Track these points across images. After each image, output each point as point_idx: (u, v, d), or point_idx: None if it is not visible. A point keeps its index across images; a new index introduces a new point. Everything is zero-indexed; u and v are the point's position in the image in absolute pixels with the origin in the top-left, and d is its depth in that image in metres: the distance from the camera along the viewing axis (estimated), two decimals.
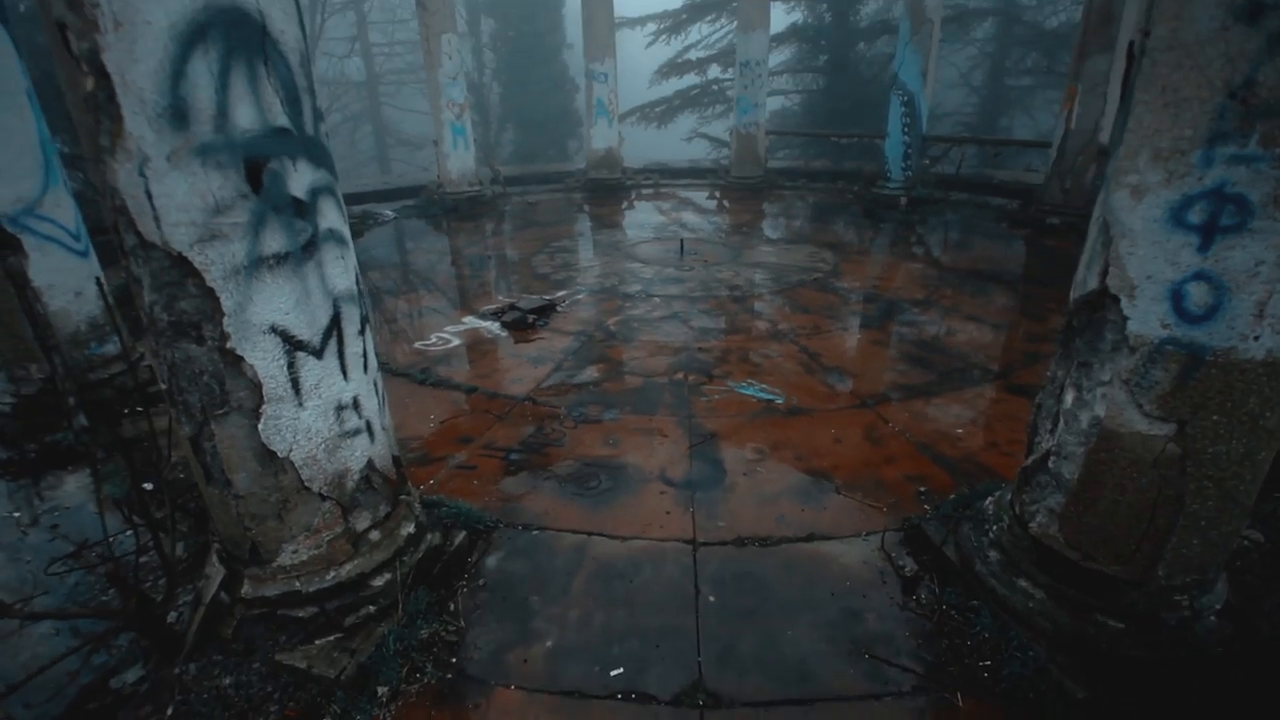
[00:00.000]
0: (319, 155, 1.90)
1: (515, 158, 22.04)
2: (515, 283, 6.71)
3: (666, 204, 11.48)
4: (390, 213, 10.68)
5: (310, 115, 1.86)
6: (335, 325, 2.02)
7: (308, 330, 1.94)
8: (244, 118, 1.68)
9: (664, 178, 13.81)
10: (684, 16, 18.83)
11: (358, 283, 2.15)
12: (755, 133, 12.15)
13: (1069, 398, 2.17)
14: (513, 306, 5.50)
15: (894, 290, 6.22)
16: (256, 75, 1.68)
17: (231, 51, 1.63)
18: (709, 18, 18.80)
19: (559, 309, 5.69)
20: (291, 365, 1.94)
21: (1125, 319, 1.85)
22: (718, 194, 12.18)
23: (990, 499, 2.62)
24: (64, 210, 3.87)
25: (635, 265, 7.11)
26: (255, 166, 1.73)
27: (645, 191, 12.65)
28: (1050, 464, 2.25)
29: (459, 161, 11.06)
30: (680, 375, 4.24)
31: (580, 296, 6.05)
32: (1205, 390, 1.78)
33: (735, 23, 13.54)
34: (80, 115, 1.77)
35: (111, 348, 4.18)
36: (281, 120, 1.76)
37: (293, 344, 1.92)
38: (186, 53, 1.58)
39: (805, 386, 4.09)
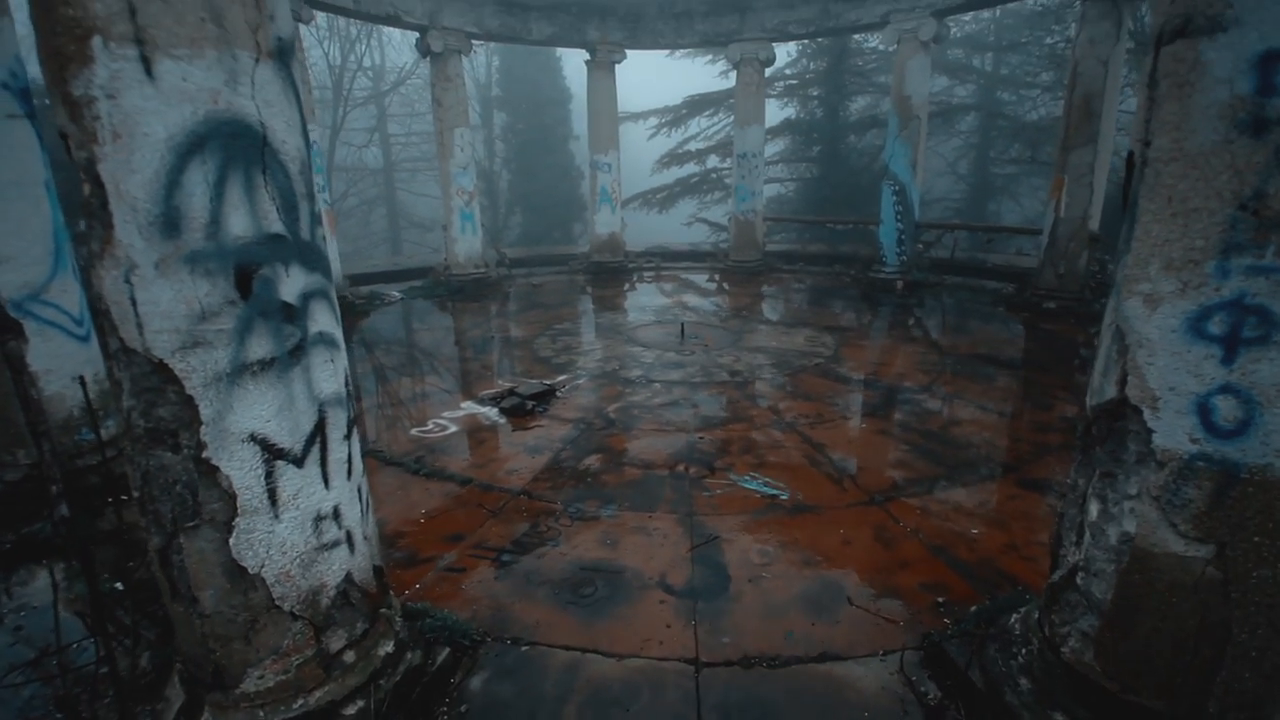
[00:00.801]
0: (313, 259, 1.87)
1: (522, 240, 22.70)
2: (516, 365, 6.67)
3: (667, 286, 11.65)
4: (397, 294, 10.83)
5: (307, 221, 1.84)
6: (319, 431, 1.92)
7: (289, 438, 1.84)
8: (237, 225, 1.66)
9: (665, 261, 14.11)
10: (684, 111, 19.87)
11: (347, 384, 2.08)
12: (753, 219, 12.51)
13: (1093, 509, 2.05)
14: (512, 392, 5.42)
15: (896, 376, 6.16)
16: (253, 184, 1.68)
17: (229, 162, 1.63)
18: (707, 112, 19.84)
19: (559, 394, 5.61)
20: (269, 475, 1.83)
21: (1150, 431, 1.75)
22: (717, 277, 12.39)
23: (1016, 616, 2.44)
24: (69, 296, 3.88)
25: (636, 349, 7.09)
26: (246, 273, 1.69)
27: (647, 274, 12.88)
28: (1079, 581, 2.09)
29: (466, 245, 11.33)
30: (681, 467, 4.10)
31: (581, 381, 5.99)
32: (1244, 510, 1.66)
33: (732, 118, 14.26)
34: None
35: (103, 432, 4.07)
36: (276, 227, 1.74)
37: (272, 452, 1.82)
38: (183, 164, 1.57)
39: (810, 480, 3.94)
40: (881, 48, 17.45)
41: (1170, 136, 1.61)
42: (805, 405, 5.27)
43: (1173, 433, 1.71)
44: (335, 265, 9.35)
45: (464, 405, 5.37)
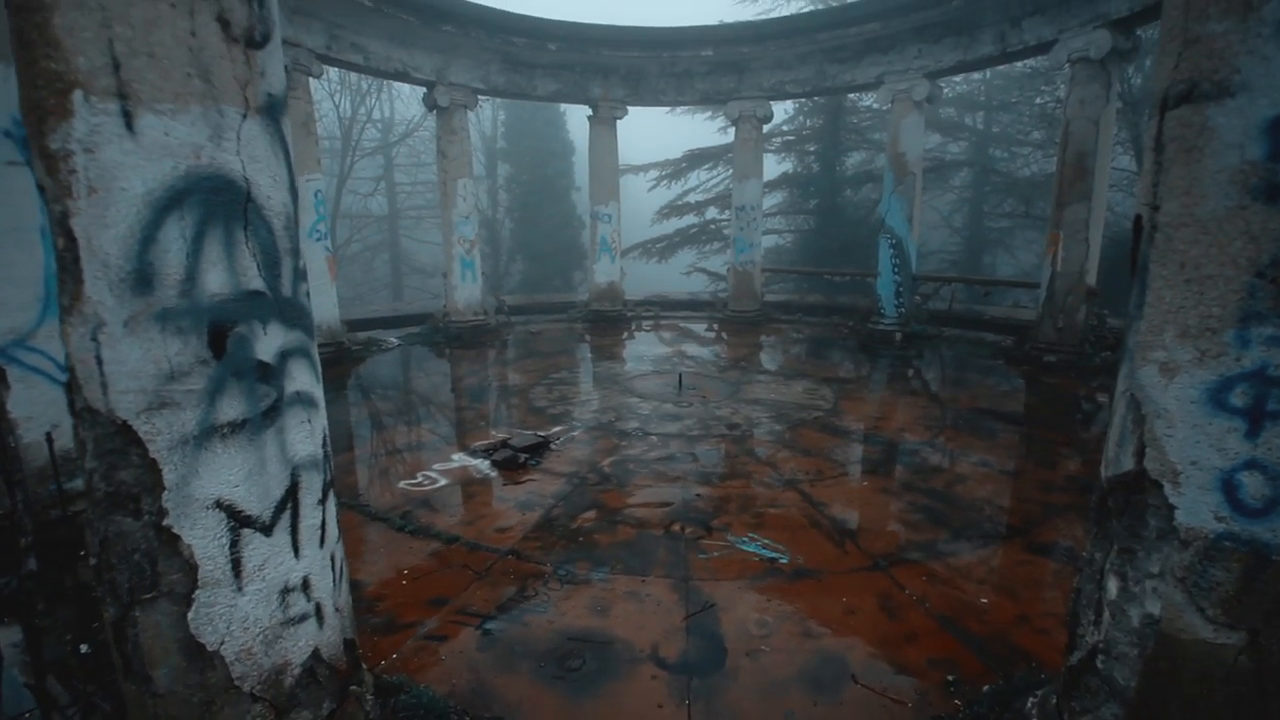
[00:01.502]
0: (294, 316, 1.80)
1: (523, 286, 22.90)
2: (511, 415, 6.56)
3: (666, 335, 11.64)
4: (395, 340, 10.80)
5: (290, 277, 1.78)
6: (291, 496, 1.82)
7: (258, 504, 1.74)
8: (214, 282, 1.60)
9: (664, 310, 14.16)
10: (684, 165, 20.32)
11: (325, 444, 1.98)
12: (751, 270, 12.60)
13: (1112, 587, 1.92)
14: (505, 444, 5.30)
15: (896, 430, 6.05)
16: (234, 240, 1.62)
17: (209, 218, 1.57)
18: (706, 166, 20.28)
19: (553, 446, 5.49)
20: (234, 544, 1.72)
21: (1172, 508, 1.65)
22: (716, 326, 12.40)
23: (1032, 700, 2.27)
24: (56, 342, 3.81)
25: (633, 400, 7.00)
26: (220, 331, 1.62)
27: (645, 323, 12.89)
28: (1099, 664, 1.95)
29: (465, 292, 11.38)
30: (676, 527, 3.96)
31: (575, 433, 5.87)
32: (1277, 595, 1.55)
33: (731, 171, 14.55)
34: None
35: (80, 482, 3.94)
36: (256, 284, 1.67)
37: (239, 520, 1.71)
38: (160, 219, 1.52)
39: (810, 542, 3.79)
40: (876, 106, 17.96)
41: (1180, 201, 1.57)
42: (805, 461, 5.14)
43: (1197, 510, 1.61)
44: (333, 311, 9.34)
45: (455, 457, 5.24)
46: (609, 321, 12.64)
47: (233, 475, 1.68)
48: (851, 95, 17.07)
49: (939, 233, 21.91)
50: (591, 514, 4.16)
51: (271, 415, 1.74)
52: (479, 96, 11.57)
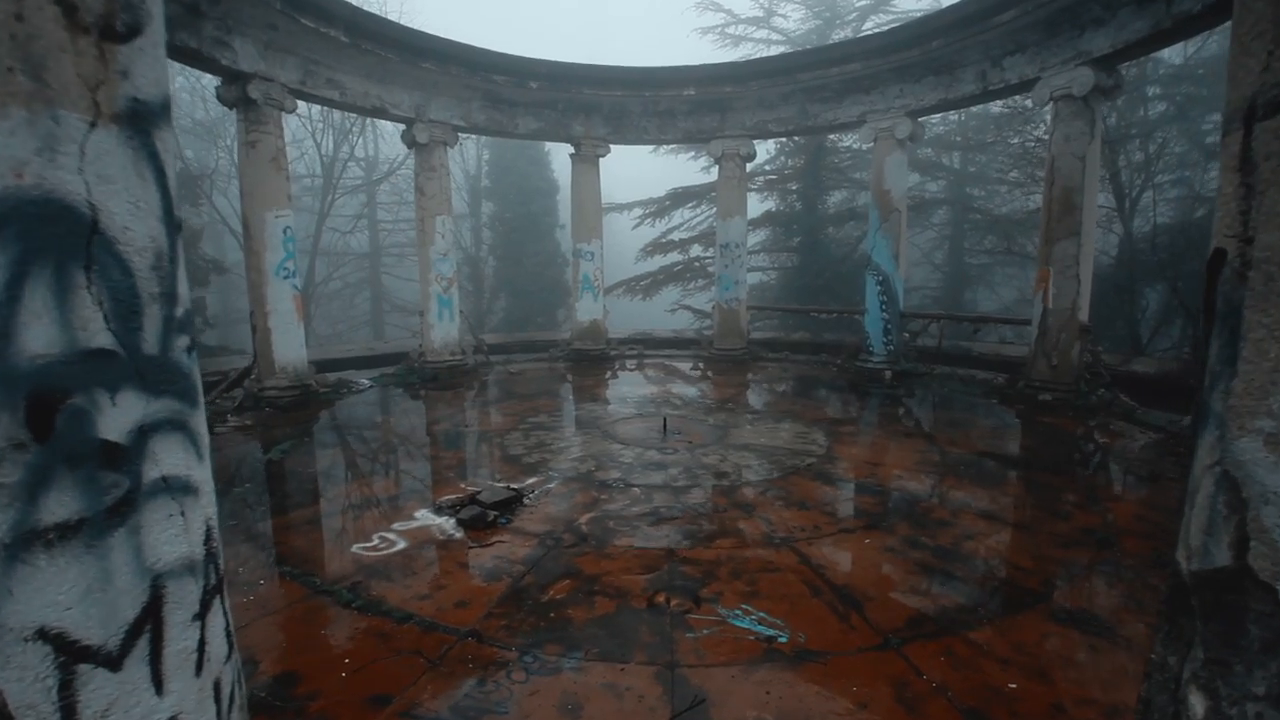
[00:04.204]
0: (163, 380, 1.41)
1: (505, 324, 22.56)
2: (483, 465, 6.12)
3: (650, 374, 11.29)
4: (367, 381, 10.34)
5: (156, 329, 1.40)
6: (151, 615, 1.39)
7: (100, 630, 1.31)
8: (38, 340, 1.21)
9: (648, 348, 13.84)
10: (667, 203, 20.32)
11: (208, 540, 1.56)
12: (737, 307, 12.37)
13: (1198, 705, 1.54)
14: (473, 499, 4.85)
15: (895, 478, 5.68)
16: (70, 285, 1.24)
17: (32, 255, 1.20)
18: (690, 204, 20.30)
19: (526, 501, 5.04)
20: (66, 685, 1.29)
21: None
22: (701, 365, 12.08)
23: None
24: None
25: (615, 446, 6.58)
26: (46, 403, 1.23)
27: (629, 362, 12.55)
28: None
29: (443, 331, 11.01)
30: (661, 598, 3.52)
31: (552, 485, 5.43)
32: None
33: (714, 209, 14.45)
34: None
35: None
36: (101, 340, 1.29)
37: (73, 653, 1.29)
38: None
39: (812, 614, 3.38)
40: (856, 146, 18.15)
41: None
42: (800, 515, 4.74)
43: None
44: (300, 352, 8.90)
45: (418, 514, 4.77)
46: (592, 360, 12.28)
47: (63, 595, 1.26)
48: (832, 136, 17.25)
49: (921, 269, 22.02)
50: (566, 583, 3.71)
51: (122, 511, 1.33)
52: (460, 134, 11.39)
